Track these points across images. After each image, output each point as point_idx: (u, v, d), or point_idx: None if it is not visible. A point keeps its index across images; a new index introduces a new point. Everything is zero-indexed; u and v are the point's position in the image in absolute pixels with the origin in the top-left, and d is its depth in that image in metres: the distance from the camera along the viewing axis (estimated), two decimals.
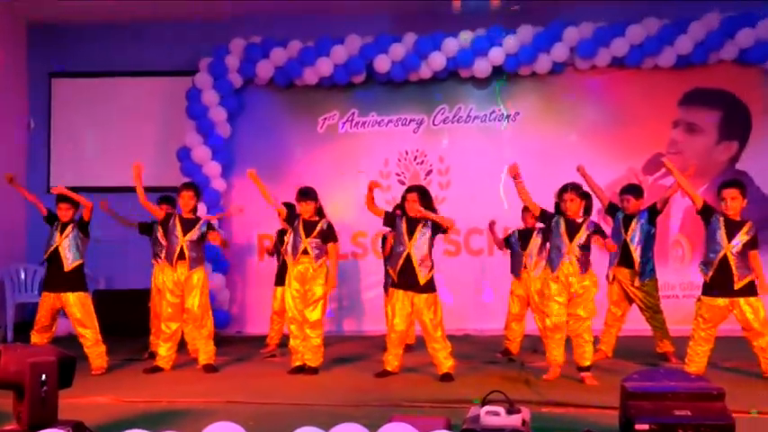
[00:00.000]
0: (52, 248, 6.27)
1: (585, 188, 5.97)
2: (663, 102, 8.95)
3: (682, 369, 5.39)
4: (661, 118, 8.96)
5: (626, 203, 6.60)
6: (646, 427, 3.53)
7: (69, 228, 6.33)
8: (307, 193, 6.26)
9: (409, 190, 6.04)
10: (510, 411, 3.69)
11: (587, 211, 5.81)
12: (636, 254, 6.44)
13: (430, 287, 5.85)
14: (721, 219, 5.60)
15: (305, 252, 6.18)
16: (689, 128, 8.95)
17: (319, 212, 6.31)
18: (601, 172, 8.69)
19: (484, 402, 3.83)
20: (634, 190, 6.70)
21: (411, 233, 5.88)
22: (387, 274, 7.44)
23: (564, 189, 5.75)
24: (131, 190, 9.15)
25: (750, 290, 5.54)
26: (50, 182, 9.55)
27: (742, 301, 5.49)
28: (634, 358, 6.45)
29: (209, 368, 6.32)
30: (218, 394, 5.28)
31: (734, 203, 5.55)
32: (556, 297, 5.68)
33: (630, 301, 6.59)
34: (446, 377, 5.77)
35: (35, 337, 6.28)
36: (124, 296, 8.76)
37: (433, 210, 5.95)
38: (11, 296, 8.64)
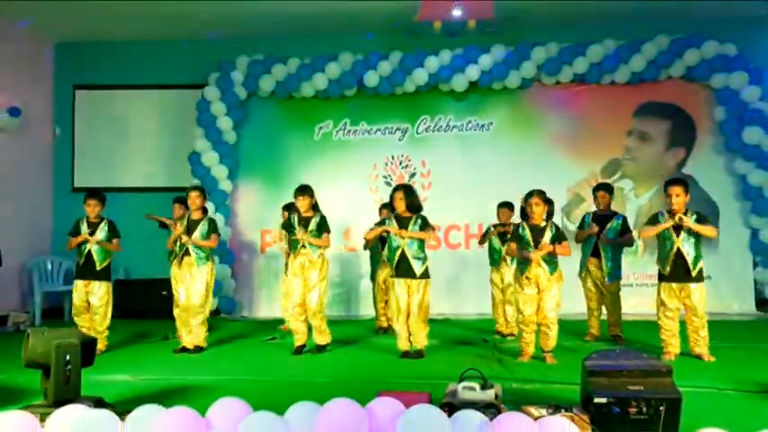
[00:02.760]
0: (86, 249, 6.26)
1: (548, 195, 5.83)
2: (619, 113, 8.99)
3: (635, 349, 5.41)
4: (617, 128, 9.00)
5: (601, 199, 6.59)
6: (603, 400, 3.54)
7: (98, 231, 6.28)
8: (303, 189, 6.21)
9: (396, 189, 5.94)
10: (484, 387, 3.70)
11: (550, 215, 5.73)
12: (604, 254, 6.47)
13: (425, 275, 5.79)
14: (666, 215, 5.60)
15: (303, 246, 6.14)
16: (642, 136, 9.00)
17: (315, 207, 6.26)
18: (565, 175, 8.81)
19: (461, 379, 3.84)
20: (608, 187, 6.72)
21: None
22: (372, 264, 7.46)
23: (530, 194, 5.66)
24: (146, 190, 9.25)
25: (700, 276, 5.53)
26: (73, 183, 9.50)
27: (692, 285, 5.49)
28: (595, 339, 6.49)
29: (198, 349, 6.25)
30: (224, 372, 5.26)
31: (677, 199, 5.52)
32: (527, 296, 5.60)
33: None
34: (417, 354, 5.75)
35: (78, 320, 6.27)
36: (141, 285, 8.72)
37: (419, 205, 5.87)
38: (38, 285, 8.56)
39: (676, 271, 5.52)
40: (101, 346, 6.19)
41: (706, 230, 5.49)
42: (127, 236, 8.42)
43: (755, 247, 8.50)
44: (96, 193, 6.42)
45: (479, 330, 7.19)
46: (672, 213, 5.54)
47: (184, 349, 6.25)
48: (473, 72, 8.74)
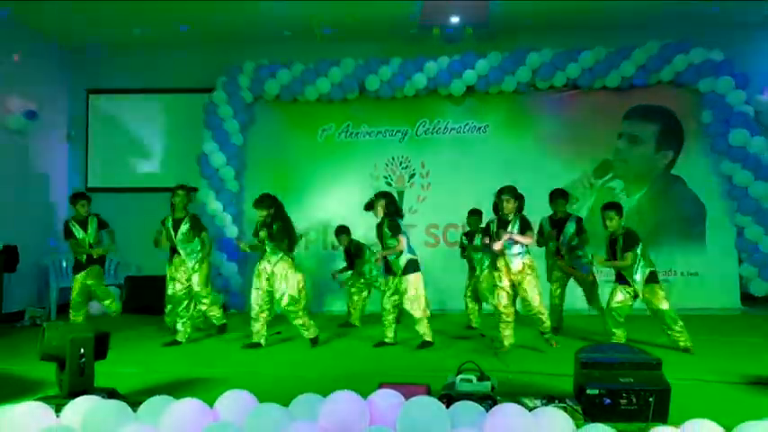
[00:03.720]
0: (87, 245, 6.49)
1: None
2: (610, 117, 8.97)
3: (627, 344, 5.42)
4: (608, 130, 8.99)
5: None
6: (595, 392, 3.54)
7: (92, 226, 6.50)
8: (256, 203, 6.26)
9: (377, 196, 6.05)
10: (481, 379, 3.70)
11: (520, 209, 5.71)
12: (566, 254, 6.51)
13: (407, 270, 5.84)
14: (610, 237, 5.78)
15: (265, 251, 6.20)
16: (632, 139, 8.99)
17: (275, 215, 6.16)
18: (558, 175, 8.79)
19: (458, 371, 3.84)
20: (566, 194, 6.68)
21: (379, 236, 6.05)
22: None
23: (500, 191, 5.69)
24: (156, 190, 9.22)
25: (651, 279, 5.59)
26: (87, 183, 9.50)
27: (638, 287, 5.58)
28: (584, 334, 6.48)
29: (222, 328, 6.63)
30: (231, 365, 5.26)
31: (611, 223, 5.68)
32: (501, 285, 5.64)
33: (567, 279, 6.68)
34: (422, 344, 5.83)
35: (73, 315, 6.34)
36: (152, 281, 8.70)
37: (396, 210, 6.00)
38: (54, 281, 8.57)
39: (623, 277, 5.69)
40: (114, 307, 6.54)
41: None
42: (137, 234, 8.46)
43: (741, 244, 8.50)
44: (84, 195, 6.69)
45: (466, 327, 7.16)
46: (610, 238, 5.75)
47: (175, 342, 6.27)
48: (470, 77, 8.73)
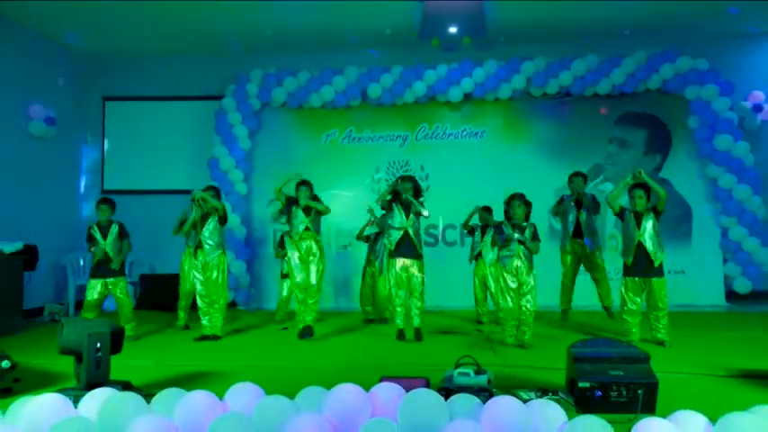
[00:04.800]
0: (103, 252, 6.15)
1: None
2: (601, 122, 8.99)
3: (616, 338, 5.41)
4: (599, 135, 9.00)
5: (576, 186, 6.72)
6: (587, 385, 3.54)
7: (112, 234, 6.21)
8: (306, 182, 6.34)
9: (404, 179, 6.08)
10: (478, 372, 3.70)
11: (529, 216, 5.71)
12: (585, 229, 6.66)
13: (421, 254, 6.03)
14: (632, 213, 5.65)
15: (306, 229, 6.19)
16: (621, 143, 9.00)
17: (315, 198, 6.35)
18: (551, 178, 8.78)
19: (456, 365, 3.84)
20: (584, 175, 6.84)
21: (407, 213, 5.99)
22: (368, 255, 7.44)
23: (512, 197, 5.67)
24: (168, 192, 9.26)
25: (661, 270, 5.54)
26: (103, 185, 9.52)
27: (654, 279, 5.50)
28: (576, 329, 6.48)
29: (214, 337, 6.19)
30: (240, 359, 5.26)
31: (640, 201, 5.59)
32: (510, 288, 5.59)
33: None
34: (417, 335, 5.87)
35: (85, 315, 6.14)
36: (165, 279, 8.72)
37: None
38: (72, 279, 8.58)
39: (639, 263, 5.53)
40: (130, 333, 6.10)
41: (657, 188, 5.57)
42: (151, 234, 8.49)
43: (725, 244, 8.49)
44: (107, 200, 6.37)
45: (474, 321, 7.17)
46: (635, 212, 5.62)
47: (205, 337, 6.21)
48: (468, 84, 8.74)
